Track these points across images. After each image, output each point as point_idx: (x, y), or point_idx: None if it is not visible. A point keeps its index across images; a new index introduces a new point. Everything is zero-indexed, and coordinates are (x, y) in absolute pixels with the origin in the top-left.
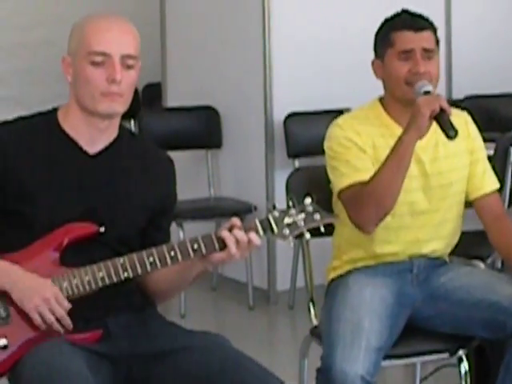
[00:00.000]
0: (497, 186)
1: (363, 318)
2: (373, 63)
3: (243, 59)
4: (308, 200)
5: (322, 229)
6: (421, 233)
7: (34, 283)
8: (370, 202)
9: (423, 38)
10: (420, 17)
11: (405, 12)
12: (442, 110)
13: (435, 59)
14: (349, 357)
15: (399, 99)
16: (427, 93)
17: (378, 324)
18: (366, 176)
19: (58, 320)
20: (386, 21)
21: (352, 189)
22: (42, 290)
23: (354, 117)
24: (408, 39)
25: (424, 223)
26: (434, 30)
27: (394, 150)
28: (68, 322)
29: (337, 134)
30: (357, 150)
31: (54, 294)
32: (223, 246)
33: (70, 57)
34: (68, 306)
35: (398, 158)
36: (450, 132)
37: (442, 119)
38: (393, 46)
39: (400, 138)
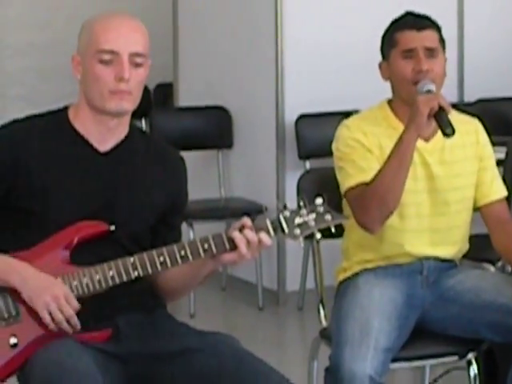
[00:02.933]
0: (504, 193)
1: (372, 318)
2: (380, 65)
3: (255, 60)
4: (319, 200)
5: (333, 229)
6: (428, 236)
7: (44, 281)
8: (374, 201)
9: (425, 37)
10: (423, 17)
11: (409, 14)
12: (442, 109)
13: (439, 58)
14: (357, 356)
15: (405, 99)
16: (429, 92)
17: (387, 324)
18: (371, 176)
19: (66, 319)
20: (392, 23)
21: (357, 189)
22: (52, 288)
23: (362, 118)
24: (410, 38)
25: (430, 226)
26: (438, 29)
27: (394, 148)
28: (76, 322)
29: (344, 135)
30: (363, 150)
31: (64, 292)
32: (234, 246)
33: (79, 55)
34: (77, 306)
35: (398, 157)
36: (446, 129)
37: (440, 117)
38: (396, 45)
39: (400, 137)
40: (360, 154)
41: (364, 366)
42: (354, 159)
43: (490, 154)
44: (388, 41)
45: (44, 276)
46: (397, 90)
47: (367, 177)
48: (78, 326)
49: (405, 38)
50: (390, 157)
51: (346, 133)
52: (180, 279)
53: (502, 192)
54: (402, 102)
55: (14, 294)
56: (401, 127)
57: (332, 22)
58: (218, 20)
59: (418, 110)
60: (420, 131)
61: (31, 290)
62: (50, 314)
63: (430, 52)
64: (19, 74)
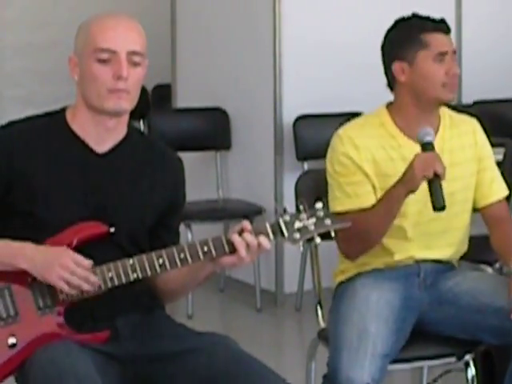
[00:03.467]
0: (505, 193)
1: (370, 324)
2: (393, 67)
3: (253, 61)
4: (319, 204)
5: (333, 234)
6: (427, 240)
7: (49, 255)
8: (356, 237)
9: (451, 41)
10: (443, 20)
11: (415, 16)
12: (436, 175)
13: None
14: (355, 363)
15: (431, 101)
16: (428, 145)
17: (384, 329)
18: (357, 203)
19: (84, 280)
20: (412, 25)
21: (344, 216)
22: (58, 258)
23: (356, 127)
24: (443, 41)
25: (430, 230)
26: None
27: (382, 199)
28: (93, 278)
29: (336, 148)
30: (352, 168)
31: (71, 258)
32: (233, 249)
33: (76, 56)
34: (89, 264)
35: (385, 208)
36: (437, 203)
37: (433, 186)
38: (427, 47)
39: (390, 190)
40: (348, 175)
41: (362, 373)
42: (341, 182)
43: (489, 154)
44: (412, 42)
45: (47, 249)
46: (419, 92)
47: (354, 204)
48: (97, 282)
49: (438, 40)
50: (377, 204)
51: (338, 146)
52: (179, 281)
53: (502, 192)
54: (415, 104)
55: (13, 292)
56: (399, 135)
57: (330, 23)
58: (217, 21)
59: (413, 175)
60: (410, 192)
61: (39, 267)
62: (67, 282)
63: (454, 56)
64: (17, 74)
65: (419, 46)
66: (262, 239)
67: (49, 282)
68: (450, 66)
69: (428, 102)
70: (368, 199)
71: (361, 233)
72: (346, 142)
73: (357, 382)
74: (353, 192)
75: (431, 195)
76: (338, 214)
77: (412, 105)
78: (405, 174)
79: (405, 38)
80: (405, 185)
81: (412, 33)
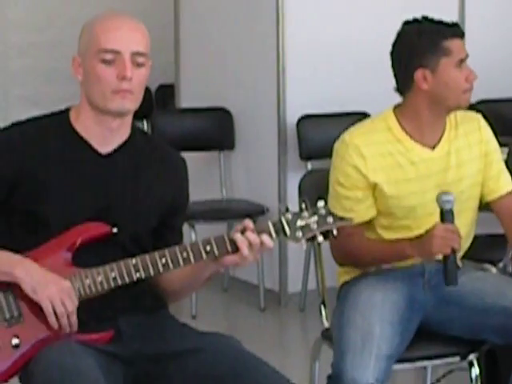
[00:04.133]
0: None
1: (374, 325)
2: (415, 75)
3: (257, 61)
4: (321, 203)
5: (335, 232)
6: None
7: (47, 274)
8: (347, 257)
9: (464, 45)
10: (456, 24)
11: (425, 18)
12: (453, 251)
13: None
14: (359, 365)
15: (451, 107)
16: (448, 213)
17: (389, 330)
18: (353, 217)
19: (67, 315)
20: (432, 30)
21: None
22: (57, 281)
23: (362, 133)
24: (462, 47)
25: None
26: None
27: (388, 247)
28: (75, 320)
29: (342, 157)
30: (356, 180)
31: (68, 288)
32: (236, 248)
33: (80, 57)
34: (76, 304)
35: (385, 256)
36: (449, 280)
37: (449, 263)
38: (449, 54)
39: (399, 245)
40: (348, 189)
41: (366, 375)
42: (339, 194)
43: (495, 148)
44: (434, 48)
45: (48, 272)
46: (441, 99)
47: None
48: (75, 327)
49: (457, 47)
50: (381, 246)
51: (345, 155)
52: (182, 280)
53: (510, 185)
54: (433, 111)
55: (16, 293)
56: (406, 140)
57: (334, 23)
58: (220, 21)
59: (431, 250)
60: (422, 260)
61: (36, 282)
62: (53, 305)
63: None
64: (22, 74)
65: (442, 53)
66: (265, 238)
67: (36, 298)
68: (469, 72)
69: (447, 109)
70: (365, 215)
71: (352, 256)
72: (353, 153)
73: (361, 383)
74: (349, 207)
75: (445, 270)
76: None
77: (427, 110)
78: (421, 242)
79: (427, 45)
80: (419, 253)
81: (434, 40)
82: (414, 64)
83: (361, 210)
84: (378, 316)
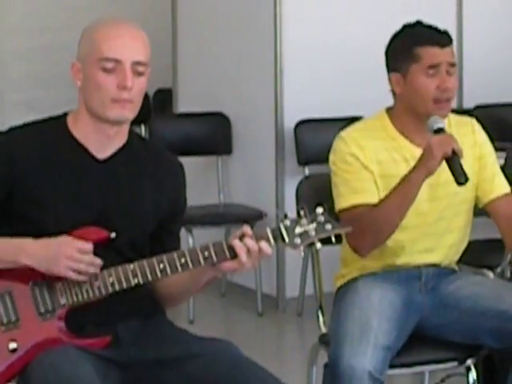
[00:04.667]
0: (507, 189)
1: (372, 318)
2: (390, 78)
3: (254, 66)
4: (320, 209)
5: (333, 239)
6: (427, 242)
7: (51, 248)
8: (369, 230)
9: (448, 54)
10: (441, 31)
11: (419, 23)
12: (454, 153)
13: (456, 74)
14: (356, 352)
15: (421, 115)
16: (440, 130)
17: (386, 324)
18: (363, 198)
19: (90, 264)
20: (407, 36)
21: (350, 212)
22: (61, 249)
23: (359, 129)
24: (435, 54)
25: (430, 232)
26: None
27: (400, 185)
28: (98, 261)
29: (340, 148)
30: (358, 166)
31: (73, 247)
32: (234, 254)
33: (79, 62)
34: (91, 247)
35: (402, 195)
36: (460, 178)
37: (453, 163)
38: (419, 61)
39: (407, 176)
40: (355, 172)
41: (363, 362)
42: (347, 178)
43: (489, 151)
44: (405, 54)
45: (48, 243)
46: (413, 105)
47: (360, 199)
48: (101, 263)
49: (429, 54)
50: (393, 192)
51: (342, 147)
52: (180, 286)
53: (505, 188)
54: (410, 114)
55: (13, 297)
56: (400, 138)
57: (331, 28)
58: (218, 26)
59: (432, 154)
60: (430, 174)
61: (46, 262)
62: (75, 271)
63: (451, 68)
64: (19, 79)
65: (411, 59)
66: (263, 244)
67: (57, 274)
68: (442, 80)
69: (418, 116)
70: (374, 196)
71: (373, 225)
72: (351, 143)
73: (358, 370)
74: (360, 187)
75: (453, 172)
76: (344, 210)
77: (405, 114)
78: (422, 157)
79: (399, 51)
80: (425, 166)
81: (404, 45)
82: (390, 67)
83: (371, 190)
84: (376, 312)
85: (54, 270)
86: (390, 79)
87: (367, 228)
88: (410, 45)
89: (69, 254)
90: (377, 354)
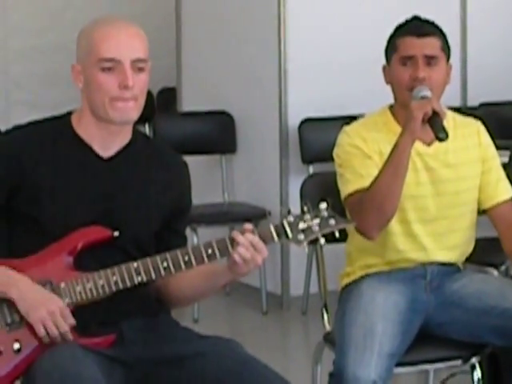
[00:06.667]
0: (510, 194)
1: (376, 323)
2: (383, 69)
3: (258, 64)
4: (323, 205)
5: (337, 234)
6: (431, 241)
7: (40, 295)
8: (371, 208)
9: (426, 44)
10: (428, 23)
11: (415, 18)
12: (435, 113)
13: (440, 66)
14: (361, 361)
15: (402, 104)
16: (424, 97)
17: (390, 329)
18: (368, 182)
19: (61, 335)
20: (396, 27)
21: (355, 195)
22: (48, 302)
23: (362, 124)
24: (410, 45)
25: (433, 231)
26: (441, 36)
27: (390, 155)
28: (70, 337)
29: (343, 141)
30: (362, 156)
31: (60, 308)
32: None
33: (79, 64)
34: (73, 322)
35: (394, 163)
36: (439, 134)
37: (434, 122)
38: (396, 51)
39: (396, 143)
40: (359, 160)
41: (368, 371)
42: (353, 165)
43: (494, 155)
44: (390, 45)
45: (41, 290)
46: (395, 95)
47: (365, 183)
48: (71, 340)
49: (405, 44)
50: (386, 163)
51: (345, 139)
52: (196, 288)
53: (508, 193)
54: (401, 105)
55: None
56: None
57: (336, 27)
58: (222, 25)
59: (412, 115)
60: (414, 136)
61: (28, 304)
62: (45, 327)
63: (429, 60)
64: (22, 78)
65: (393, 49)
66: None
67: (29, 320)
68: (414, 69)
69: (402, 105)
70: None
71: (373, 201)
72: (354, 136)
73: (363, 380)
74: (365, 173)
75: (433, 130)
76: (350, 195)
77: (400, 106)
78: (405, 121)
79: (389, 42)
80: (408, 129)
81: (390, 36)
82: (385, 59)
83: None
84: (380, 315)
85: (30, 314)
86: (383, 70)
87: (369, 206)
88: (393, 35)
89: (51, 310)
90: (381, 363)
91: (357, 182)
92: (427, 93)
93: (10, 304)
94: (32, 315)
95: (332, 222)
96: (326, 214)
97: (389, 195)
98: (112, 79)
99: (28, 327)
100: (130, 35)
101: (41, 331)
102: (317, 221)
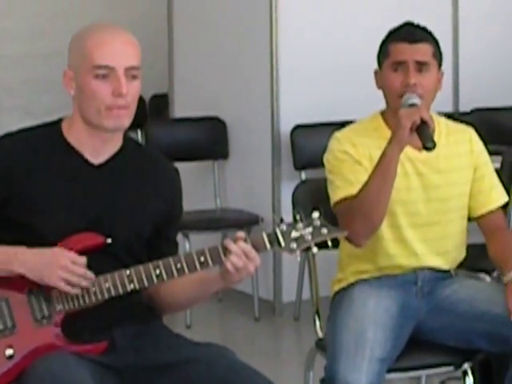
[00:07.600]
0: (504, 199)
1: (367, 329)
2: (375, 74)
3: (250, 70)
4: (316, 214)
5: (329, 243)
6: (422, 246)
7: (44, 257)
8: (359, 215)
9: (417, 50)
10: (420, 28)
11: (408, 24)
12: (424, 122)
13: (431, 72)
14: (353, 367)
15: (393, 110)
16: (413, 105)
17: (381, 335)
18: (358, 188)
19: (82, 277)
20: (388, 33)
21: (344, 203)
22: (54, 259)
23: (353, 129)
24: (401, 50)
25: (424, 236)
26: (433, 43)
27: (378, 163)
28: (91, 275)
29: (334, 147)
30: (351, 162)
31: (67, 257)
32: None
33: (71, 70)
34: (84, 260)
35: (382, 171)
36: (427, 143)
37: (422, 131)
38: (388, 56)
39: (384, 151)
40: (348, 166)
41: (359, 377)
42: (342, 172)
43: (486, 162)
44: (382, 51)
45: (42, 252)
46: (386, 100)
47: (354, 190)
48: (93, 277)
49: (396, 49)
50: (373, 171)
51: (335, 145)
52: (189, 293)
53: (501, 199)
54: (392, 111)
55: (9, 306)
56: None
57: (328, 33)
58: (213, 30)
59: (400, 124)
60: (402, 145)
61: (38, 271)
62: (67, 282)
63: (421, 66)
64: (15, 84)
65: (384, 54)
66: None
67: (48, 284)
68: (405, 76)
69: (393, 111)
70: None
71: (360, 209)
72: (344, 142)
73: None
74: (354, 179)
75: (421, 139)
76: (339, 202)
77: (391, 111)
78: (393, 132)
79: (381, 47)
80: (396, 137)
81: (382, 42)
82: (377, 64)
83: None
84: (371, 321)
85: (46, 279)
86: (374, 75)
87: (356, 213)
88: (385, 41)
89: (63, 265)
90: (372, 368)
91: (345, 188)
92: (416, 100)
93: (4, 310)
94: (49, 279)
95: (324, 231)
96: (318, 222)
97: (376, 203)
98: (106, 87)
99: (21, 333)
100: (125, 42)
101: (65, 288)
102: (309, 230)
